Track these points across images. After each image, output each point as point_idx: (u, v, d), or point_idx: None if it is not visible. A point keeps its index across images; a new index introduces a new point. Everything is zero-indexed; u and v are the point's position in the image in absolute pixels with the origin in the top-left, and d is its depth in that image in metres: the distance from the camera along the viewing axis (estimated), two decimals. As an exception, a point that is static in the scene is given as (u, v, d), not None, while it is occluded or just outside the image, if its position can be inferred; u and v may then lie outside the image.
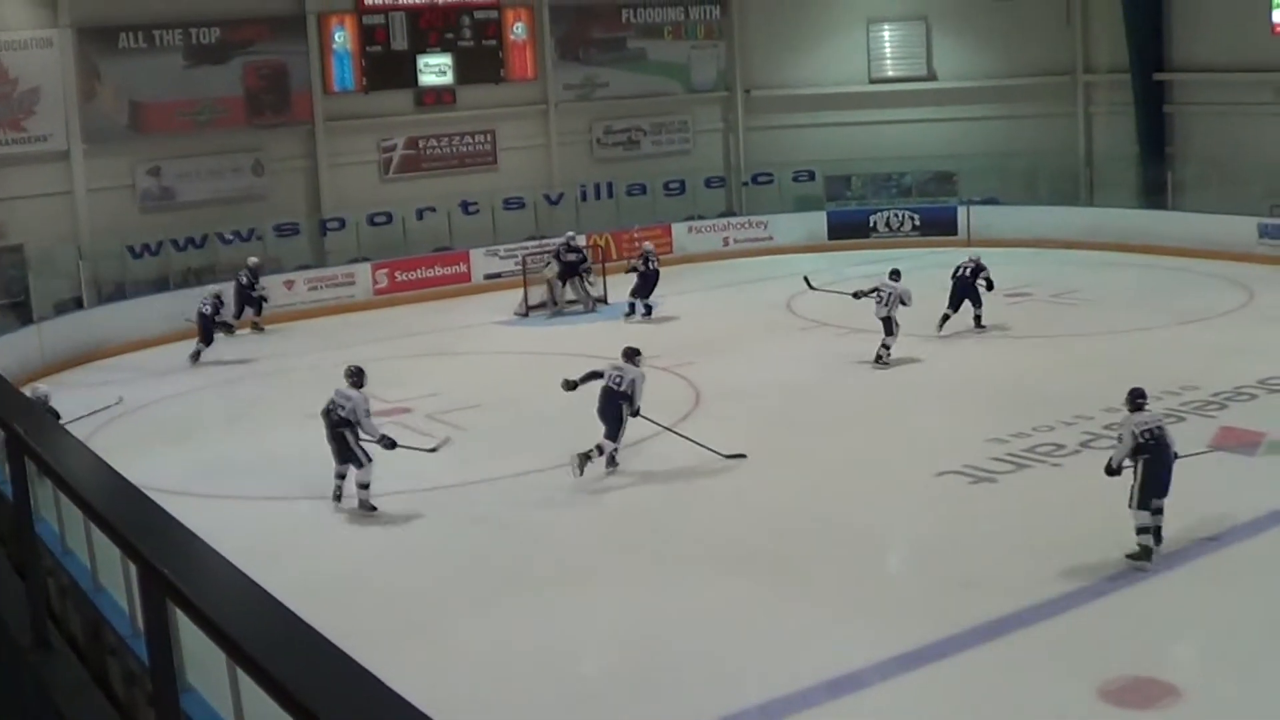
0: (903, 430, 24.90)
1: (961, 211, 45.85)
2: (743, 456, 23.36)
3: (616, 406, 22.15)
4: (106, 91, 38.60)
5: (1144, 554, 17.57)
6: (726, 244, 45.27)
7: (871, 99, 48.67)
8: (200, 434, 27.13)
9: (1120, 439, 18.29)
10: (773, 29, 48.58)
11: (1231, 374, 26.64)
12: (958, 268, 33.17)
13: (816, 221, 46.57)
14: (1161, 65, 45.90)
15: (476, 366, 32.31)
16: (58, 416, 19.70)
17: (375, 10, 42.42)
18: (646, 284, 36.51)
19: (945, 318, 32.50)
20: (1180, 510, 19.04)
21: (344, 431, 21.37)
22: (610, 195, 46.10)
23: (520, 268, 38.60)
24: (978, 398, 25.75)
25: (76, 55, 37.95)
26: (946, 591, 17.35)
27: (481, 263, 41.80)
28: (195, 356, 33.89)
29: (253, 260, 37.51)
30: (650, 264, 36.80)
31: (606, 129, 47.12)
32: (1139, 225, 42.66)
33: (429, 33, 43.25)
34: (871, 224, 46.60)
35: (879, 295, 29.78)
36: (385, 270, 40.44)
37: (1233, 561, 18.04)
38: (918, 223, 45.96)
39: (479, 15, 44.07)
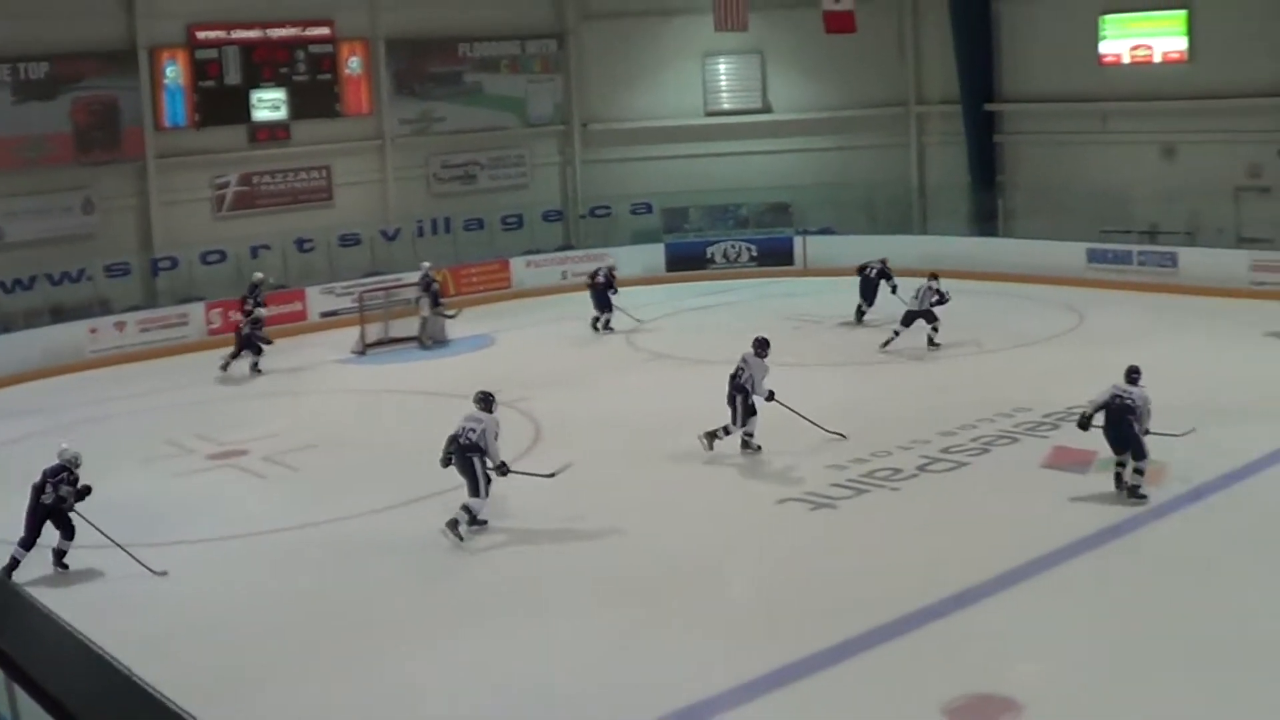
0: (743, 459, 24.89)
1: (798, 242, 46.22)
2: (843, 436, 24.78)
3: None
4: (-70, 128, 37.90)
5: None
6: (565, 277, 45.14)
7: (708, 131, 48.90)
8: (28, 482, 26.57)
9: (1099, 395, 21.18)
10: (609, 63, 48.69)
11: (1063, 395, 26.97)
12: (866, 266, 36.86)
13: (654, 254, 46.67)
14: (992, 96, 46.72)
15: (313, 406, 31.90)
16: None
17: (208, 45, 41.88)
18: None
19: (860, 311, 36.84)
20: (1016, 529, 19.44)
21: (473, 457, 21.13)
22: (448, 230, 45.83)
23: (357, 305, 38.25)
24: (810, 426, 25.83)
25: (-101, 90, 37.33)
26: (790, 617, 17.43)
27: (318, 301, 41.34)
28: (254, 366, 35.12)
29: (257, 275, 37.78)
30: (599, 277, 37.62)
31: (443, 163, 46.88)
32: (972, 252, 43.20)
33: (263, 67, 42.78)
34: (709, 255, 46.80)
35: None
36: (219, 310, 39.68)
37: (1067, 577, 18.31)
38: (755, 253, 46.21)
39: (314, 49, 43.70)
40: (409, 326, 37.52)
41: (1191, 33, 41.99)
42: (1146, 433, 21.06)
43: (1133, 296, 37.47)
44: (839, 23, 41.20)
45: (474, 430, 21.10)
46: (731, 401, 24.66)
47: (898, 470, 23.37)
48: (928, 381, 29.88)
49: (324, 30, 43.89)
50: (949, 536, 19.87)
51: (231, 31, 42.16)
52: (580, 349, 36.07)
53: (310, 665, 16.96)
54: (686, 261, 46.43)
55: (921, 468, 23.46)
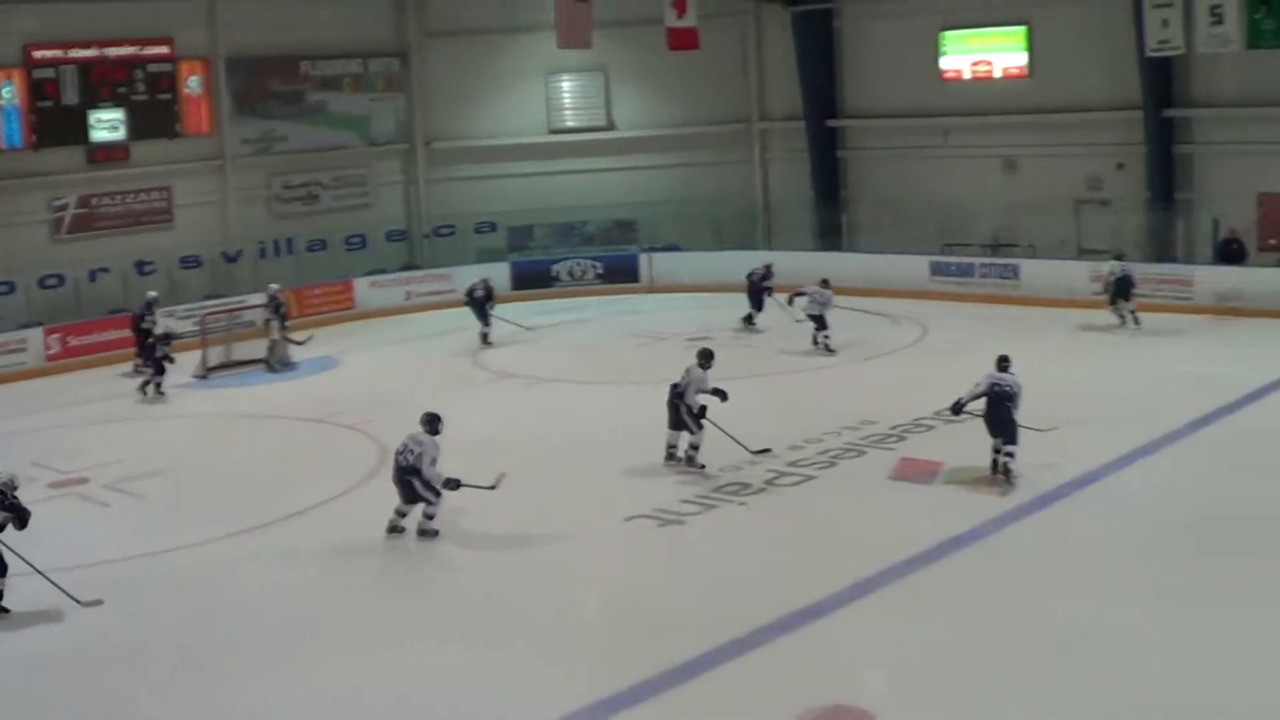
0: (591, 477, 24.89)
1: (643, 259, 46.33)
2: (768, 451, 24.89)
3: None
4: None
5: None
6: (409, 298, 44.88)
7: (552, 149, 48.85)
8: None
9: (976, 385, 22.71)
10: (452, 81, 48.48)
11: (908, 407, 27.38)
12: (752, 272, 38.32)
13: (500, 272, 46.38)
14: (834, 112, 47.12)
15: (156, 432, 31.36)
16: None
17: (44, 64, 41.11)
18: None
19: (748, 317, 38.20)
20: (864, 540, 19.55)
21: (411, 478, 21.34)
22: (290, 251, 45.35)
23: (199, 328, 37.78)
24: (661, 441, 25.82)
25: None
26: (641, 634, 17.37)
27: (159, 325, 40.57)
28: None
29: (151, 294, 37.80)
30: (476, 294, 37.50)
31: (285, 184, 46.39)
32: (816, 266, 43.26)
33: (100, 87, 42.03)
34: (554, 273, 46.76)
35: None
36: (57, 335, 38.89)
37: (917, 586, 18.45)
38: (600, 270, 46.22)
39: (153, 69, 43.05)
40: (252, 349, 36.98)
41: (1031, 49, 42.76)
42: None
43: (976, 308, 37.88)
44: (682, 40, 41.20)
45: (412, 452, 21.31)
46: (675, 410, 24.52)
47: (745, 485, 23.41)
48: (775, 395, 29.95)
49: (163, 49, 43.28)
50: (798, 550, 19.93)
51: (69, 50, 41.43)
52: (425, 370, 35.75)
53: (152, 698, 16.61)
54: (532, 280, 46.32)
55: (769, 482, 23.49)
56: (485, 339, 38.36)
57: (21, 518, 19.53)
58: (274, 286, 38.12)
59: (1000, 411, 22.67)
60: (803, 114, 47.38)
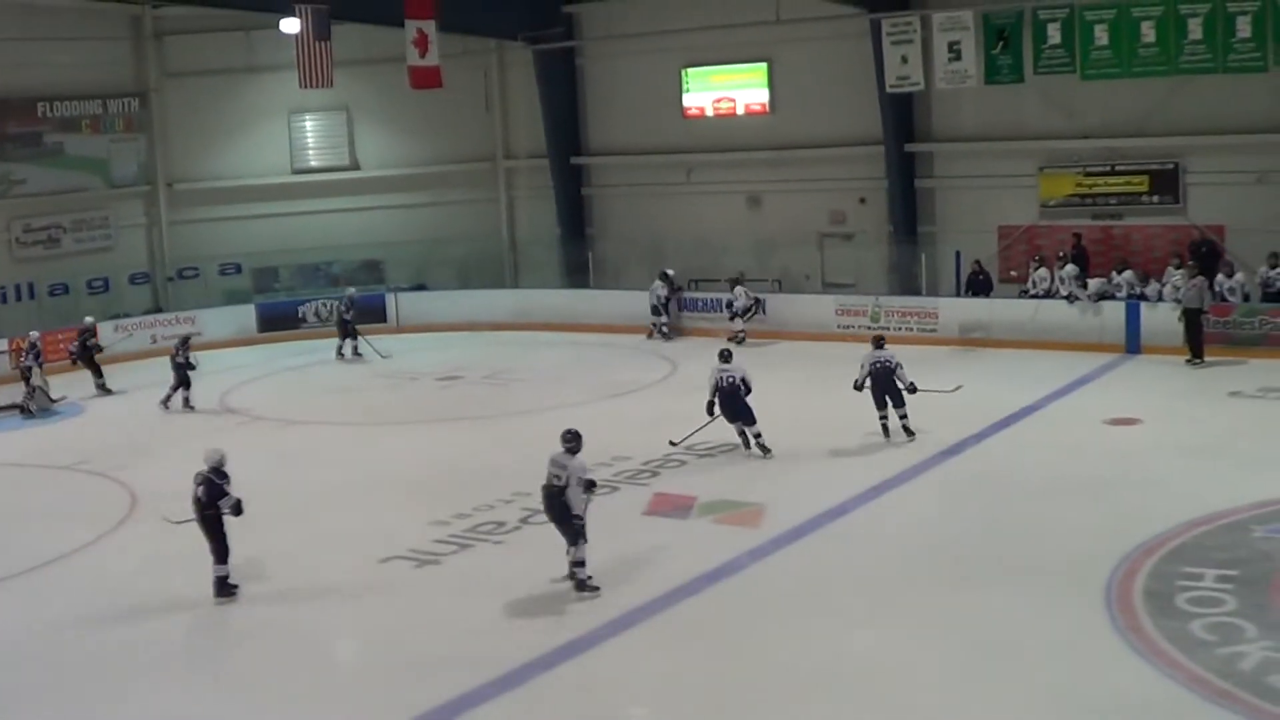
0: (342, 520, 24.72)
1: (390, 298, 46.21)
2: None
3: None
4: None
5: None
6: (155, 341, 44.28)
7: (296, 189, 48.57)
8: None
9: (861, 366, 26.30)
10: (194, 121, 47.95)
11: (661, 442, 27.56)
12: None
13: (246, 314, 46.16)
14: (579, 149, 47.37)
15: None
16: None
17: None
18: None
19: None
20: (622, 576, 19.62)
21: (565, 501, 19.78)
22: (32, 296, 44.56)
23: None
24: (417, 482, 25.79)
25: None
26: (397, 676, 17.30)
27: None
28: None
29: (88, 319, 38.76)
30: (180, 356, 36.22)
31: (25, 227, 45.50)
32: (564, 304, 43.81)
33: None
34: (301, 315, 46.48)
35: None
36: None
37: (675, 622, 18.57)
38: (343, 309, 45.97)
39: (-117, 113, 42.23)
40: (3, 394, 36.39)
41: (772, 85, 43.33)
42: (913, 388, 27.01)
43: (717, 343, 38.27)
44: (424, 78, 41.19)
45: (559, 476, 19.90)
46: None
47: (501, 523, 23.43)
48: (527, 433, 29.93)
49: (-107, 90, 42.47)
50: (556, 587, 19.96)
51: None
52: (175, 414, 35.28)
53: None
54: (279, 321, 46.02)
55: (524, 519, 23.43)
56: (354, 352, 39.91)
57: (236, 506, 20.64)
58: (34, 334, 37.46)
59: (887, 384, 27.17)
60: (547, 152, 47.60)
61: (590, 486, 19.84)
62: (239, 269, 47.72)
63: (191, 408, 35.01)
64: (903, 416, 27.29)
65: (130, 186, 47.82)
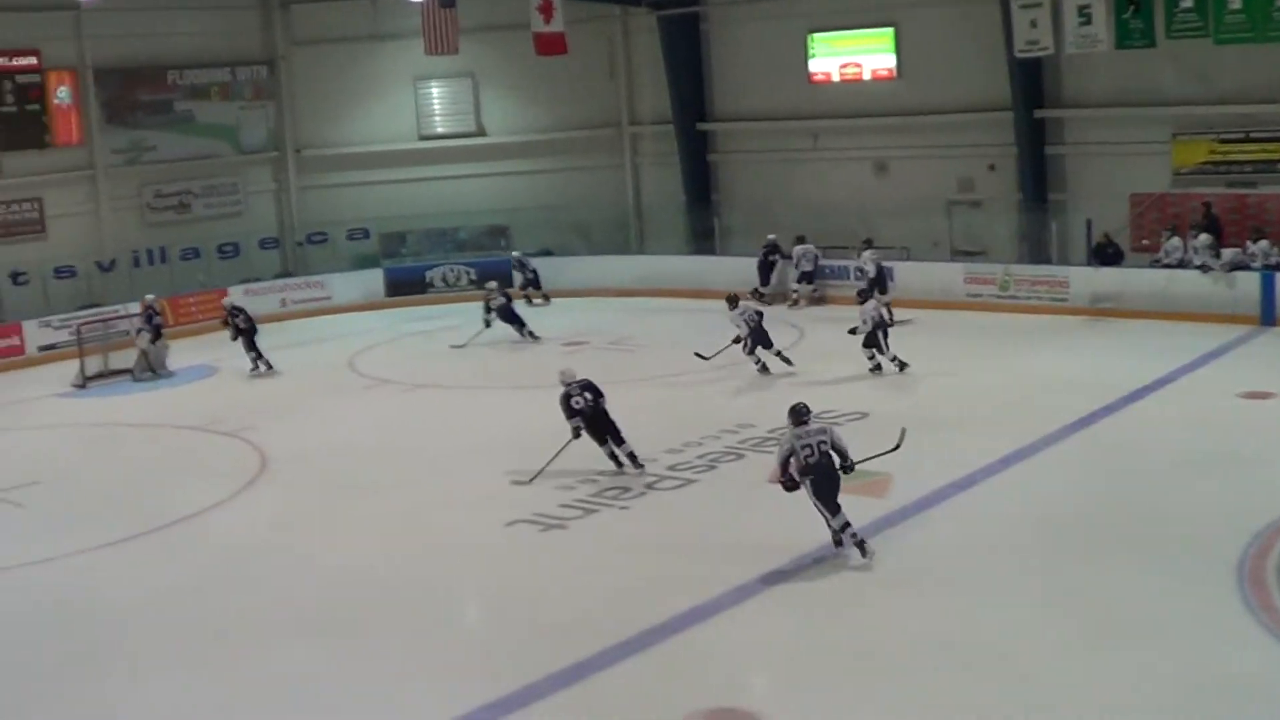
0: (470, 483, 24.85)
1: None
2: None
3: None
4: None
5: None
6: (284, 305, 44.84)
7: (422, 155, 48.83)
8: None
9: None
10: (321, 88, 48.36)
11: (786, 410, 27.35)
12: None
13: (374, 279, 46.57)
14: (704, 115, 47.24)
15: (35, 442, 31.11)
16: None
17: (-90, 76, 41.00)
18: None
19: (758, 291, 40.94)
20: (745, 544, 19.58)
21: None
22: (164, 260, 45.17)
23: (76, 338, 37.65)
24: (543, 445, 25.93)
25: None
26: (525, 639, 17.39)
27: (35, 334, 40.39)
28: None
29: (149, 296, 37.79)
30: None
31: (157, 193, 46.14)
32: (689, 271, 43.66)
33: (-32, 98, 41.95)
34: (428, 280, 46.80)
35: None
36: (-62, 345, 38.96)
37: (800, 590, 18.51)
38: (474, 276, 46.08)
39: (20, 79, 42.70)
40: (130, 358, 36.93)
41: (899, 50, 42.91)
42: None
43: (852, 311, 37.89)
44: (549, 44, 41.32)
45: (824, 442, 19.51)
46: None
47: (626, 489, 23.45)
48: (653, 400, 30.03)
49: (30, 60, 42.95)
50: (679, 554, 19.97)
51: (-65, 62, 41.30)
52: (302, 377, 35.74)
53: (25, 705, 16.61)
54: (406, 286, 46.37)
55: (650, 486, 23.55)
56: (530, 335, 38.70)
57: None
58: (149, 297, 38.02)
59: (880, 336, 30.30)
60: (672, 118, 47.58)
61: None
62: (367, 234, 48.09)
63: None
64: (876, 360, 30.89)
65: (259, 153, 48.35)
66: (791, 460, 19.17)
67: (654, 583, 18.99)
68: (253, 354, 36.32)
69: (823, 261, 41.71)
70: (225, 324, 37.09)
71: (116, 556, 22.06)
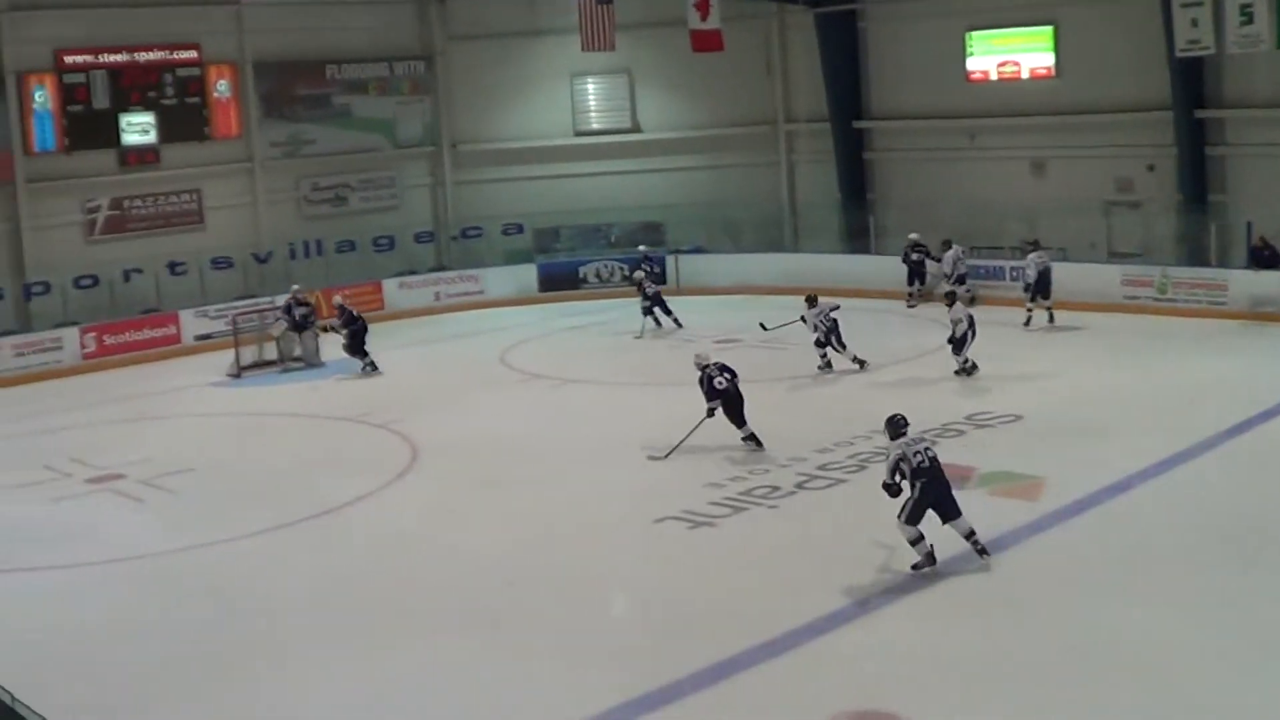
0: (620, 478, 24.91)
1: (670, 261, 46.24)
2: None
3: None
4: None
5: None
6: (438, 299, 45.17)
7: (578, 151, 49.04)
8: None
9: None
10: (478, 83, 48.70)
11: (940, 411, 27.16)
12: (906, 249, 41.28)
13: (527, 274, 46.78)
14: (860, 113, 47.00)
15: (190, 430, 31.61)
16: None
17: (76, 69, 41.57)
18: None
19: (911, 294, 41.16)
20: (895, 545, 19.37)
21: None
22: (320, 253, 45.66)
23: (231, 328, 38.12)
24: (694, 442, 25.87)
25: None
26: (672, 635, 17.39)
27: (192, 324, 41.07)
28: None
29: (295, 287, 38.32)
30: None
31: (314, 186, 46.73)
32: (844, 269, 43.38)
33: (131, 91, 42.49)
34: (582, 275, 46.90)
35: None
36: (93, 334, 39.49)
37: (947, 593, 18.33)
38: (627, 273, 46.11)
39: (181, 73, 43.45)
40: (300, 347, 37.34)
41: (1058, 49, 42.41)
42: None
43: (1005, 312, 37.55)
44: (706, 41, 41.29)
45: (929, 446, 19.47)
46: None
47: (776, 488, 23.34)
48: (803, 399, 29.94)
49: (191, 54, 43.67)
50: (828, 554, 19.87)
51: (99, 55, 41.95)
52: (455, 370, 36.03)
53: (178, 692, 16.74)
54: (559, 281, 46.50)
55: (800, 485, 23.43)
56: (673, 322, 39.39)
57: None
58: (295, 288, 38.49)
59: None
60: (828, 115, 47.34)
61: None
62: (521, 229, 48.30)
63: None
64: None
65: (415, 147, 48.82)
66: (902, 466, 18.94)
67: (800, 582, 18.92)
68: (360, 355, 36.44)
69: (972, 262, 41.25)
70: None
71: (267, 545, 22.38)
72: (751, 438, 25.73)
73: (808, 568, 19.48)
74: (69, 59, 41.50)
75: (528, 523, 22.44)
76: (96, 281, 41.42)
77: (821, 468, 24.36)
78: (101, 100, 42.08)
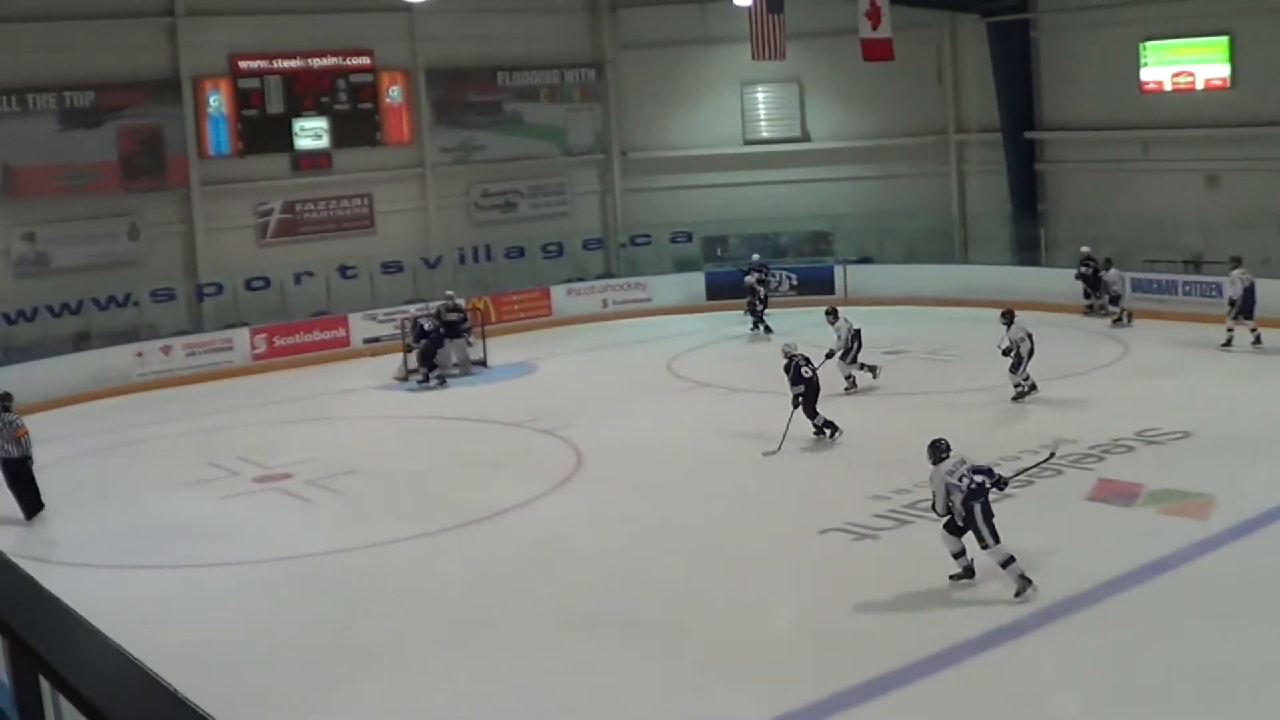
0: (784, 489, 24.87)
1: (838, 270, 46.17)
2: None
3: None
4: (-23, 154, 38.24)
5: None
6: (606, 305, 45.36)
7: (746, 160, 49.03)
8: (75, 504, 26.53)
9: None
10: (648, 91, 48.87)
11: (1108, 427, 26.82)
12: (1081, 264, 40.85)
13: (695, 282, 46.79)
14: (1032, 124, 46.51)
15: (356, 432, 32.08)
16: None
17: (250, 74, 42.29)
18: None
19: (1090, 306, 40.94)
20: (1062, 562, 19.16)
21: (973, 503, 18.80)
22: (489, 258, 46.04)
23: (399, 332, 38.48)
24: (858, 455, 25.75)
25: (-52, 117, 37.70)
26: (831, 649, 17.31)
27: (360, 327, 41.58)
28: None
29: (448, 293, 38.75)
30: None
31: (484, 192, 47.12)
32: (1013, 282, 42.95)
33: (304, 96, 43.15)
34: (749, 284, 46.67)
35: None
36: (264, 335, 40.17)
37: (1113, 612, 18.04)
38: (795, 282, 46.10)
39: (354, 79, 44.02)
40: (455, 354, 37.63)
41: (1234, 59, 41.69)
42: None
43: (1178, 327, 36.97)
44: (877, 50, 41.10)
45: (968, 468, 19.01)
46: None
47: (940, 501, 23.19)
48: (969, 413, 29.63)
49: (364, 60, 44.24)
50: (990, 570, 19.57)
51: (273, 61, 42.64)
52: (621, 377, 36.14)
53: (342, 689, 16.93)
54: (727, 290, 46.35)
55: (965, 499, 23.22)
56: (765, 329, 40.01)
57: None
58: (448, 294, 38.88)
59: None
60: (999, 126, 46.91)
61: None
62: (689, 237, 48.36)
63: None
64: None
65: (585, 154, 49.08)
66: (952, 496, 18.71)
67: (962, 598, 18.76)
68: (427, 368, 36.63)
69: (1144, 275, 40.66)
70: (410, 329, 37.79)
71: (428, 547, 22.64)
72: (825, 427, 27.61)
73: (969, 583, 19.21)
74: (244, 64, 42.23)
75: (689, 532, 22.42)
76: (268, 283, 42.07)
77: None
78: (275, 105, 42.74)
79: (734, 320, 42.85)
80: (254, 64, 42.45)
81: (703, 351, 39.10)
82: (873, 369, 32.32)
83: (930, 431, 24.85)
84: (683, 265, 47.91)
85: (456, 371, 37.30)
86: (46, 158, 38.95)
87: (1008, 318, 30.69)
